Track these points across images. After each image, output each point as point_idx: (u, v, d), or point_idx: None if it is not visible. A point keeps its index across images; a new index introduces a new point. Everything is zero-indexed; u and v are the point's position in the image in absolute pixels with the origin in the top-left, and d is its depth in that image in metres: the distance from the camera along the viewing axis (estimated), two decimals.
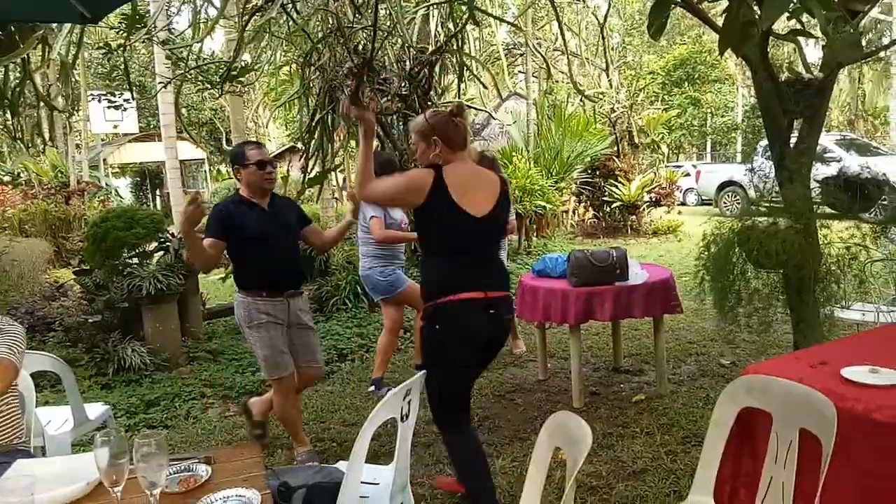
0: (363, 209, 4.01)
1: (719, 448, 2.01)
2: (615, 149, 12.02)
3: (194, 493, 1.60)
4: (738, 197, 14.32)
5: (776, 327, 3.57)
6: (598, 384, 4.34)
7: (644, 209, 11.91)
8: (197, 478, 1.66)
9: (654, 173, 12.55)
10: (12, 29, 4.76)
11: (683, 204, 16.55)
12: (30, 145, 7.24)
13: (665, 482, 2.95)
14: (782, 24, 3.37)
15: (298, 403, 3.46)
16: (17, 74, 5.41)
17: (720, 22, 2.57)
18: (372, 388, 4.36)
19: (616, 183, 11.62)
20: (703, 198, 16.81)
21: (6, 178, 13.96)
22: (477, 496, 2.51)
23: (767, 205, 3.17)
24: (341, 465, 2.32)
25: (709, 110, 25.46)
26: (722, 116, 25.45)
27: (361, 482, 2.08)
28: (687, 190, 17.34)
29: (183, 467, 1.70)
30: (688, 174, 16.81)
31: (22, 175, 14.62)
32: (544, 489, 2.61)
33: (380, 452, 3.28)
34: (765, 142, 3.33)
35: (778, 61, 3.40)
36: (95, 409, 3.19)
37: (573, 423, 1.66)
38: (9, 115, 5.45)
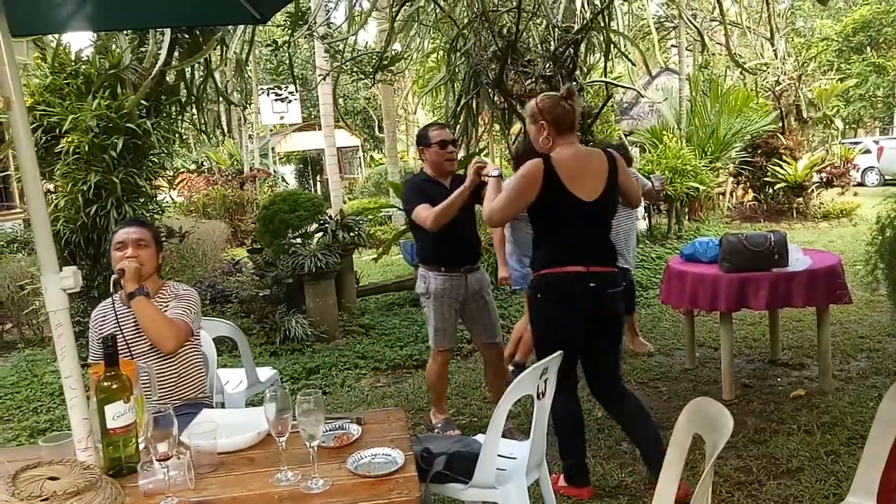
0: None
1: (885, 448, 1.84)
2: (780, 125, 11.05)
3: (347, 448, 1.76)
4: None
5: None
6: (751, 376, 4.10)
7: (813, 190, 10.86)
8: (349, 435, 1.83)
9: (826, 151, 11.38)
10: (197, 33, 5.37)
11: (861, 184, 14.85)
12: (211, 137, 8.09)
13: (823, 483, 2.75)
14: None
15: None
16: (201, 73, 6.08)
17: None
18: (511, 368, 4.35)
19: (780, 162, 10.70)
20: (886, 177, 14.98)
21: (192, 167, 15.69)
22: (567, 451, 2.81)
23: None
24: (480, 437, 2.41)
25: None
26: None
27: (499, 455, 2.16)
28: (866, 169, 15.54)
29: (337, 426, 1.88)
30: (868, 151, 15.06)
31: (204, 164, 16.34)
32: (689, 480, 2.55)
33: (519, 430, 3.35)
34: None
35: None
36: (265, 373, 3.56)
37: (714, 409, 1.61)
38: (194, 110, 6.13)
